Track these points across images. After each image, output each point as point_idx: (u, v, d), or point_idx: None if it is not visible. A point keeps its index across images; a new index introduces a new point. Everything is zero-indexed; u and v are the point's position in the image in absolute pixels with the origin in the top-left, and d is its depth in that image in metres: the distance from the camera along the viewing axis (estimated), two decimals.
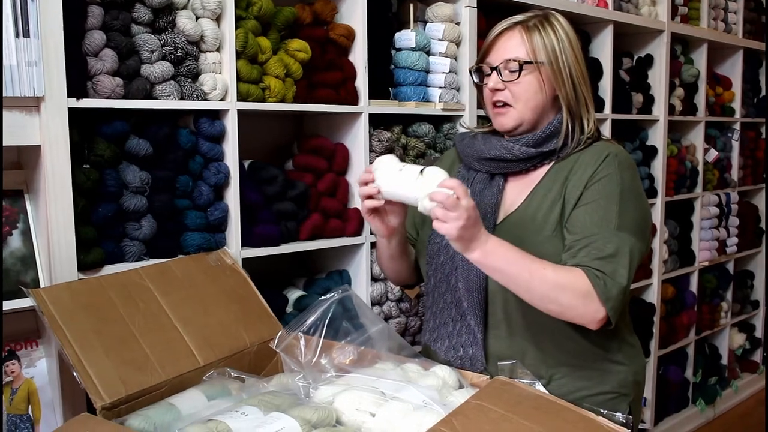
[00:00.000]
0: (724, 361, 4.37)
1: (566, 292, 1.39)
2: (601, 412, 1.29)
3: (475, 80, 1.61)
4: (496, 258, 1.38)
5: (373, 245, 2.28)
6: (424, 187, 1.35)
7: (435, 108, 2.43)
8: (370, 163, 2.21)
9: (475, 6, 2.50)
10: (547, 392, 1.37)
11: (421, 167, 1.39)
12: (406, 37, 2.38)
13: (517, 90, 1.53)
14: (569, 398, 1.33)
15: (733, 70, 4.22)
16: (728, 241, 4.20)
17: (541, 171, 1.58)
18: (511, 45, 1.54)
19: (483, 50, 1.60)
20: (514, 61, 1.52)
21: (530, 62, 1.52)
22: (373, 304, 2.30)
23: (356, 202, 2.28)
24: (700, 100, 3.85)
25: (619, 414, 1.34)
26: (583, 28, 3.12)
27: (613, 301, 1.40)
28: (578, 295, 1.39)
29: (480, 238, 1.37)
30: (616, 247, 1.42)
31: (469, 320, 1.55)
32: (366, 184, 1.47)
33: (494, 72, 1.55)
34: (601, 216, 1.46)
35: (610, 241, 1.43)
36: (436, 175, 1.36)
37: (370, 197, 1.47)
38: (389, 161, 1.46)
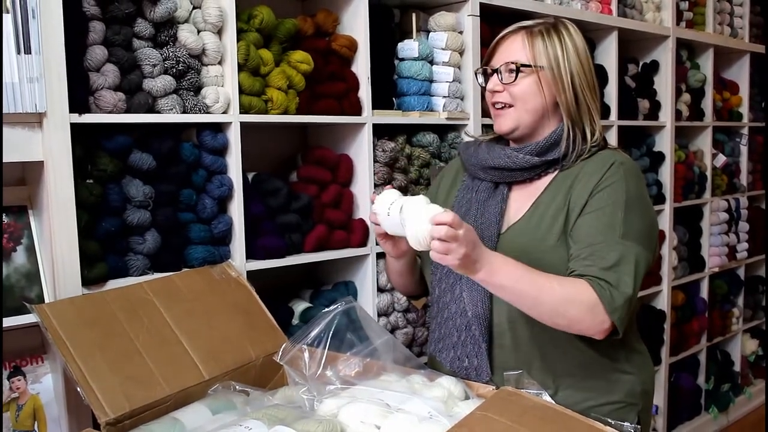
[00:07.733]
0: (737, 367, 4.33)
1: (574, 305, 1.37)
2: (610, 422, 1.28)
3: (480, 82, 1.64)
4: (502, 276, 1.37)
5: (378, 256, 2.27)
6: (413, 224, 1.33)
7: (439, 117, 2.42)
8: (375, 173, 2.24)
9: (478, 15, 2.50)
10: (553, 402, 1.35)
11: (401, 204, 1.38)
12: (408, 47, 2.38)
13: (514, 91, 1.55)
14: (577, 408, 1.32)
15: (740, 74, 4.21)
16: (738, 246, 4.16)
17: (545, 180, 1.57)
18: (513, 49, 1.56)
19: (487, 53, 1.63)
20: (513, 63, 1.54)
21: (528, 65, 1.53)
22: (379, 315, 2.29)
23: (361, 213, 2.27)
24: (707, 105, 3.84)
25: (627, 424, 1.33)
26: (588, 34, 3.11)
27: (620, 311, 1.38)
28: (585, 307, 1.37)
29: (483, 259, 1.35)
30: (621, 255, 1.41)
31: (474, 330, 1.53)
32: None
33: (495, 74, 1.57)
34: (606, 224, 1.44)
35: (614, 250, 1.41)
36: (412, 208, 1.34)
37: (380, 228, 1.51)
38: (379, 203, 1.45)
